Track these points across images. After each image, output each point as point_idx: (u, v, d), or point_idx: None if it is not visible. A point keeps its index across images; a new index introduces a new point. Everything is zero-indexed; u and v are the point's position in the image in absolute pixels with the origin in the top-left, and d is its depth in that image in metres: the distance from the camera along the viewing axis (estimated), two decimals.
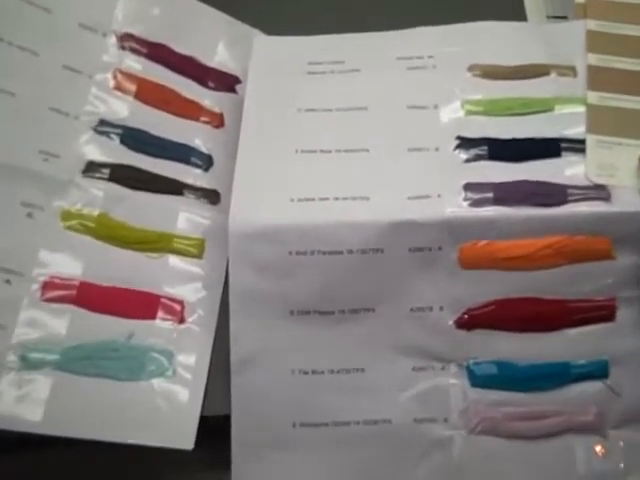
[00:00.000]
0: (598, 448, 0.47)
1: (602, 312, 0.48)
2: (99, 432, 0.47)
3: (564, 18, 0.59)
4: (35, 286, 0.49)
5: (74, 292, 0.49)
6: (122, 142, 0.54)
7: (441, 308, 0.48)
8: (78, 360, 0.48)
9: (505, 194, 0.48)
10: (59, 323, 0.48)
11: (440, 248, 0.48)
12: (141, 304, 0.50)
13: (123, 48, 0.56)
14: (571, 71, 0.54)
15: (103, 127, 0.54)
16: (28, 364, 0.47)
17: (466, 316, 0.48)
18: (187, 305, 0.51)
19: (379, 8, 0.62)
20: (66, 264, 0.50)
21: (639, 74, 0.53)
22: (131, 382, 0.48)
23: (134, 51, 0.57)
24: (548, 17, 0.60)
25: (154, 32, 0.58)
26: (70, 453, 0.48)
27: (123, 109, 0.55)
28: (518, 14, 0.60)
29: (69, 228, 0.51)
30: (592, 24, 0.55)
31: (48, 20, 0.55)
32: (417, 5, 0.62)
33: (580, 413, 0.47)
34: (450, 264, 0.48)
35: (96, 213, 0.51)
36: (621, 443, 0.47)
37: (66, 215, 0.51)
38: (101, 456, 0.48)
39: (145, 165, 0.54)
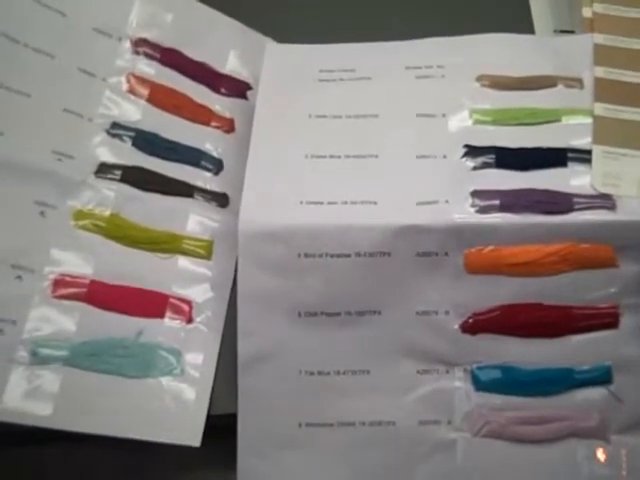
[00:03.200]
0: (600, 453, 0.47)
1: (606, 319, 0.48)
2: (107, 427, 0.47)
3: (571, 33, 0.60)
4: (46, 283, 0.49)
5: (84, 290, 0.50)
6: (134, 144, 0.54)
7: (446, 312, 0.49)
8: (87, 356, 0.48)
9: (511, 201, 0.49)
10: (69, 320, 0.49)
11: (447, 253, 0.48)
12: (150, 303, 0.51)
13: (137, 53, 0.57)
14: (578, 83, 0.54)
15: (116, 130, 0.54)
16: (38, 359, 0.47)
17: (471, 320, 0.49)
18: (195, 305, 0.52)
19: (390, 18, 0.63)
20: (77, 262, 0.50)
21: None
22: (140, 379, 0.49)
23: (147, 56, 0.57)
24: (555, 31, 0.61)
25: (167, 38, 0.58)
26: (77, 448, 0.49)
27: (136, 112, 0.55)
28: (526, 28, 0.61)
29: (81, 227, 0.51)
30: (599, 38, 0.56)
31: (63, 23, 0.55)
32: (427, 17, 0.62)
33: (583, 418, 0.48)
34: (456, 269, 0.49)
35: (108, 213, 0.52)
36: (624, 449, 0.48)
37: (78, 215, 0.51)
38: (108, 452, 0.49)
39: (156, 167, 0.54)
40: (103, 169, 0.53)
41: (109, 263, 0.51)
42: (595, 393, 0.48)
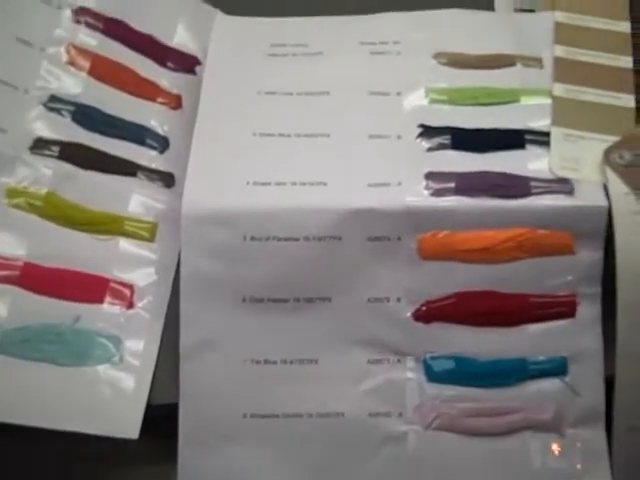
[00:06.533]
0: (555, 447, 0.46)
1: (562, 308, 0.47)
2: (38, 418, 0.45)
3: (531, 12, 0.58)
4: None
5: (17, 273, 0.47)
6: (74, 119, 0.52)
7: (398, 299, 0.47)
8: (19, 343, 0.46)
9: (467, 184, 0.47)
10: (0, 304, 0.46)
11: (399, 238, 0.47)
12: (88, 287, 0.48)
13: (78, 22, 0.54)
14: (537, 62, 0.53)
15: (54, 103, 0.52)
16: None
17: (424, 308, 0.47)
18: (137, 290, 0.49)
19: None
20: (9, 243, 0.48)
21: (606, 67, 0.52)
22: (75, 367, 0.46)
23: (89, 26, 0.54)
24: (515, 10, 0.59)
25: (111, 7, 0.55)
26: (7, 440, 0.46)
27: (76, 85, 0.53)
28: (485, 5, 0.59)
29: (14, 206, 0.48)
30: (560, 16, 0.54)
31: None
32: None
33: (538, 411, 0.47)
34: (409, 254, 0.47)
35: (44, 192, 0.49)
36: (578, 443, 0.46)
37: (11, 192, 0.49)
38: (39, 444, 0.46)
39: (97, 144, 0.52)
40: (39, 145, 0.50)
41: (44, 244, 0.49)
42: (550, 384, 0.47)
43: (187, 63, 0.57)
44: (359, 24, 0.56)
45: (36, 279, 0.48)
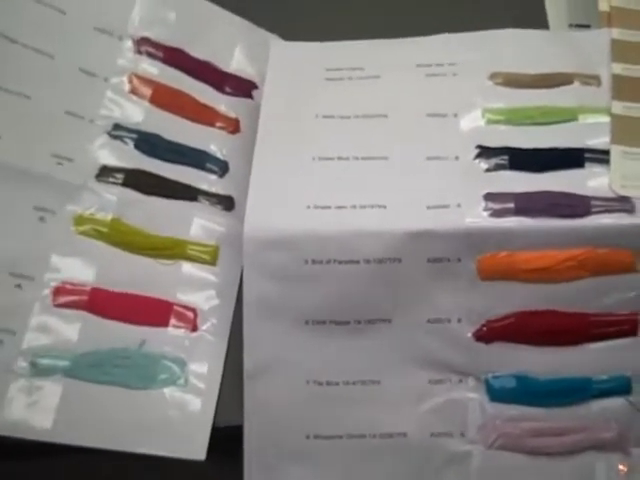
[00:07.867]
0: (620, 467, 0.46)
1: (624, 327, 0.47)
2: (109, 441, 0.46)
3: (587, 27, 0.58)
4: (46, 291, 0.48)
5: (86, 298, 0.49)
6: (136, 147, 0.53)
7: (459, 320, 0.47)
8: (89, 367, 0.47)
9: (526, 204, 0.47)
10: (70, 329, 0.48)
11: (459, 259, 0.47)
12: (154, 311, 0.50)
13: (139, 52, 0.56)
14: (595, 80, 0.53)
15: (118, 131, 0.53)
16: (38, 370, 0.46)
17: (485, 328, 0.47)
18: (200, 313, 0.50)
19: (398, 14, 0.61)
20: (78, 269, 0.49)
21: None
22: (142, 390, 0.48)
23: (150, 55, 0.56)
24: (570, 26, 0.59)
25: (170, 36, 0.57)
26: (80, 461, 0.47)
27: (138, 113, 0.54)
28: (540, 23, 0.59)
29: (82, 233, 0.50)
30: (616, 33, 0.54)
31: (63, 22, 0.54)
32: (437, 12, 0.61)
33: (602, 430, 0.46)
34: (469, 275, 0.47)
35: (109, 218, 0.51)
36: None
37: (79, 220, 0.50)
38: (111, 465, 0.47)
39: (159, 170, 0.53)
40: (104, 172, 0.52)
41: (111, 270, 0.50)
42: (613, 403, 0.47)
43: (245, 88, 0.59)
44: (414, 46, 0.56)
45: (104, 304, 0.49)
